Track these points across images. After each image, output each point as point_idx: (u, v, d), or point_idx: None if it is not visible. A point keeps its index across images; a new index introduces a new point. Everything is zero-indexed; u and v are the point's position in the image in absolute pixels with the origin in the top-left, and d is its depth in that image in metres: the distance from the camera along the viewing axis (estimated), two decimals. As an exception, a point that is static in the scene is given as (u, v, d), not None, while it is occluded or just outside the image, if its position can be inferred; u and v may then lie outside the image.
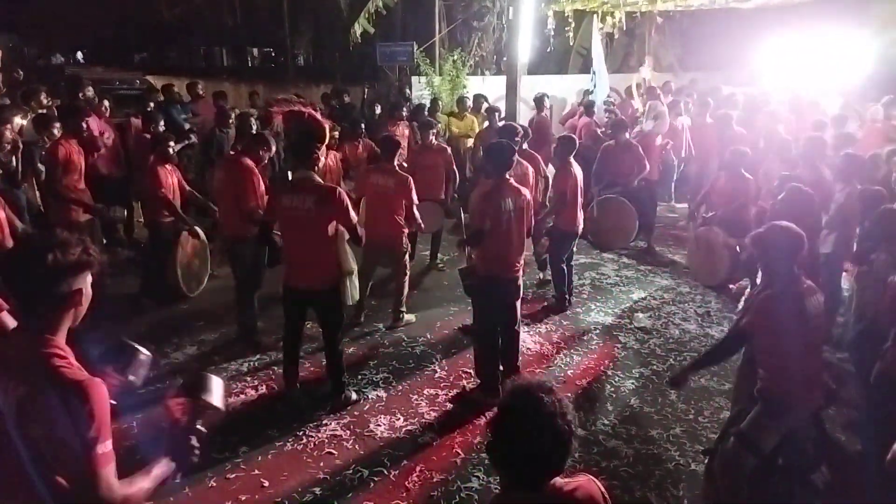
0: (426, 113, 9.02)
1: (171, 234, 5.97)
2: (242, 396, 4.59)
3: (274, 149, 5.71)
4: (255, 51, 32.29)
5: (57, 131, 5.92)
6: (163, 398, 2.00)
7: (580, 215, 6.11)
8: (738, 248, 6.16)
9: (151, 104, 8.41)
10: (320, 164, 4.37)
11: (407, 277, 5.83)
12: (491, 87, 11.35)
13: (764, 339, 3.09)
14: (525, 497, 1.67)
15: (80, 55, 29.84)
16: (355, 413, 4.38)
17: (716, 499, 3.20)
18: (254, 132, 6.45)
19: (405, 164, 6.87)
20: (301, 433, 4.13)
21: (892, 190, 5.22)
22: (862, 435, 3.88)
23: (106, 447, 1.66)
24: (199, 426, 1.99)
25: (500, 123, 7.92)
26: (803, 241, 3.03)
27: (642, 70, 11.94)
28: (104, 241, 6.65)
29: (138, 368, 2.01)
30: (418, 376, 4.93)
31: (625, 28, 12.39)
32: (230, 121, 7.72)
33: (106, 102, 7.60)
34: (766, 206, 5.64)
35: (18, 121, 6.34)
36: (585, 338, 5.63)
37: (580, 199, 6.06)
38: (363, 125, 8.18)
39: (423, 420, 4.32)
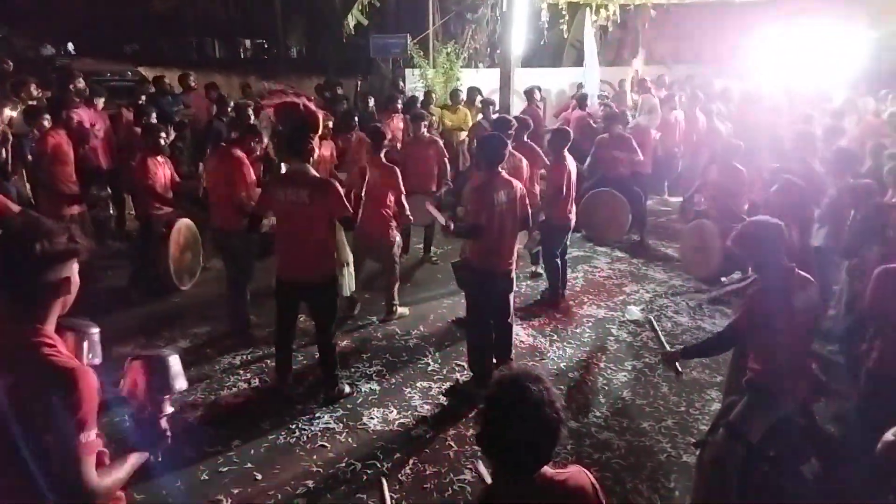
0: (419, 105, 8.99)
1: (162, 226, 5.94)
2: (235, 390, 4.58)
3: (266, 140, 5.69)
4: (248, 42, 32.09)
5: (47, 123, 5.87)
6: (122, 389, 1.97)
7: (573, 209, 6.11)
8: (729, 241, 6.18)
9: (143, 96, 8.35)
10: (315, 156, 4.34)
11: (398, 270, 5.82)
12: (485, 80, 11.32)
13: (752, 331, 3.11)
14: (515, 487, 1.68)
15: (70, 46, 29.57)
16: (348, 406, 4.38)
17: (706, 490, 3.22)
18: (250, 123, 6.40)
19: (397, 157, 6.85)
20: (294, 426, 4.13)
21: (882, 183, 5.23)
22: (851, 426, 3.90)
23: (89, 436, 1.67)
24: (165, 407, 1.97)
25: (494, 116, 7.92)
26: (781, 230, 3.06)
27: (634, 63, 11.95)
28: (95, 233, 6.60)
29: (93, 346, 1.97)
30: (411, 369, 4.93)
31: (618, 21, 12.37)
32: (228, 109, 7.68)
33: (101, 100, 7.51)
34: (758, 199, 5.66)
35: (8, 112, 6.30)
36: (578, 330, 5.65)
37: (573, 193, 6.06)
38: (356, 117, 8.14)
39: (417, 413, 4.33)
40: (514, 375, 1.69)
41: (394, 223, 5.68)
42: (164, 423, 1.96)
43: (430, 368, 4.94)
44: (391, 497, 2.29)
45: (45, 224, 1.75)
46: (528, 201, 4.55)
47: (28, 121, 5.99)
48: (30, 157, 5.85)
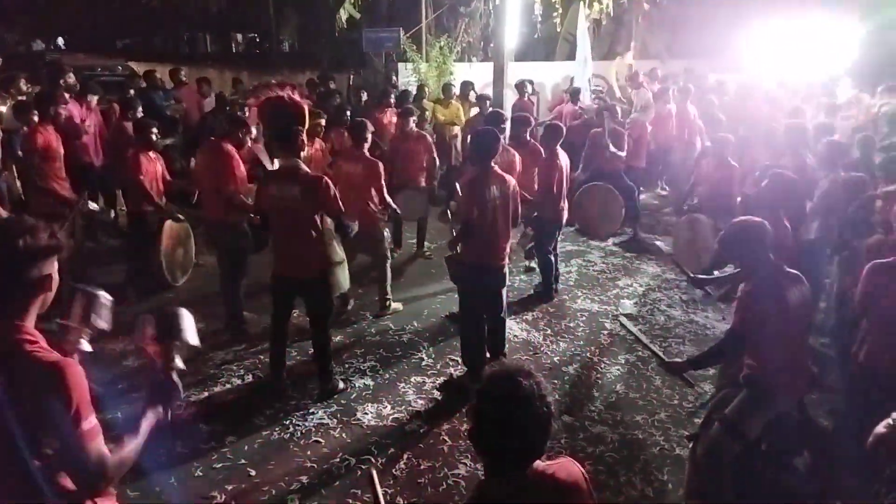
0: (411, 100, 8.97)
1: (154, 222, 5.91)
2: (228, 386, 4.58)
3: (255, 132, 5.65)
4: (240, 36, 31.93)
5: (37, 118, 5.83)
6: (135, 344, 1.98)
7: (564, 204, 6.11)
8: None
9: (131, 91, 8.30)
10: (305, 151, 4.30)
11: (388, 264, 5.80)
12: (478, 74, 11.30)
13: (749, 330, 3.12)
14: (508, 482, 1.68)
15: (60, 41, 29.36)
16: (342, 401, 4.38)
17: (700, 483, 3.24)
18: (237, 115, 6.34)
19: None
20: (288, 422, 4.13)
21: (872, 175, 5.25)
22: (843, 419, 3.93)
23: (90, 423, 1.67)
24: (177, 363, 1.99)
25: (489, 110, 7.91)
26: (765, 228, 3.07)
27: (627, 57, 11.93)
28: (85, 230, 6.56)
29: (100, 311, 1.97)
30: (405, 364, 4.93)
31: (612, 14, 12.34)
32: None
33: (95, 98, 7.46)
34: (751, 193, 5.67)
35: (-2, 108, 6.25)
36: (572, 325, 5.66)
37: (564, 189, 6.06)
38: (348, 112, 8.11)
39: (411, 408, 4.33)
40: (506, 370, 1.70)
41: (381, 217, 5.66)
42: (175, 376, 1.97)
43: (423, 363, 4.94)
44: (384, 492, 2.29)
45: (27, 221, 1.76)
46: (520, 197, 4.54)
47: (17, 116, 5.94)
48: (20, 152, 5.80)
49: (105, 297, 2.01)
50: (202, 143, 5.84)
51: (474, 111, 9.32)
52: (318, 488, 3.55)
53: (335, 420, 4.17)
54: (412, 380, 4.69)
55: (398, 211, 5.97)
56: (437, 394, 4.51)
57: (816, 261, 5.32)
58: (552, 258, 6.20)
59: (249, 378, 4.67)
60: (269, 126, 4.23)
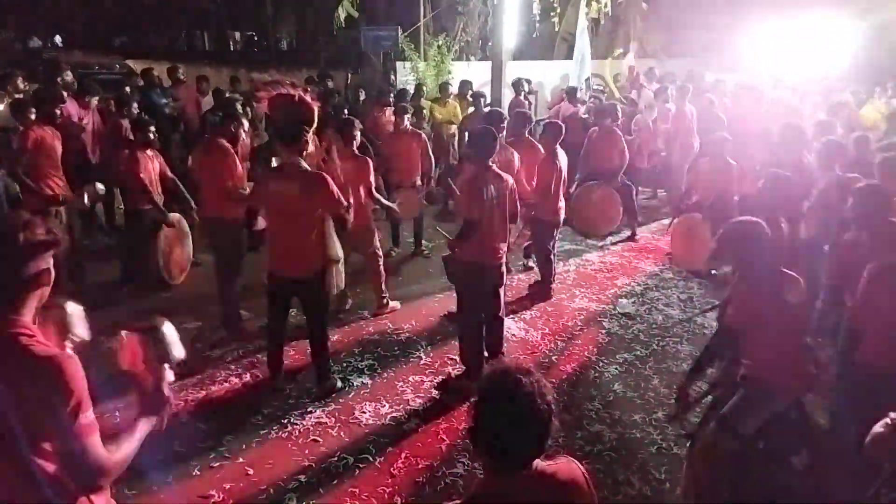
0: (409, 99, 8.96)
1: (152, 220, 5.90)
2: (226, 385, 4.57)
3: (247, 124, 5.63)
4: (238, 35, 31.86)
5: (34, 116, 5.81)
6: (120, 363, 1.97)
7: (562, 204, 6.12)
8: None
9: (128, 88, 8.27)
10: (308, 150, 4.31)
11: (381, 262, 5.77)
12: (476, 73, 11.29)
13: (747, 329, 3.13)
14: (507, 481, 1.68)
15: (58, 39, 29.27)
16: (340, 400, 4.38)
17: (697, 481, 3.25)
18: (228, 110, 6.31)
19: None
20: (286, 421, 4.13)
21: (868, 175, 5.26)
22: (841, 418, 3.94)
23: (88, 417, 1.68)
24: (166, 375, 1.98)
25: (486, 109, 7.90)
26: (762, 228, 3.06)
27: (627, 58, 11.94)
28: (82, 228, 6.56)
29: (75, 322, 1.95)
30: (403, 363, 4.93)
31: (610, 14, 12.36)
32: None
33: (95, 99, 7.43)
34: (749, 193, 5.67)
35: (-5, 106, 6.23)
36: (570, 324, 5.66)
37: (562, 189, 6.07)
38: (346, 111, 8.11)
39: (409, 407, 4.33)
40: (505, 368, 1.69)
41: (372, 215, 5.64)
42: (166, 390, 1.97)
43: (422, 362, 4.94)
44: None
45: (24, 216, 1.77)
46: (518, 196, 4.54)
47: (15, 114, 5.92)
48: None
49: (74, 307, 1.98)
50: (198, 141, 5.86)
51: (470, 111, 9.32)
52: (316, 487, 3.54)
53: (333, 419, 4.17)
54: (410, 379, 4.69)
55: (396, 210, 5.96)
56: (435, 393, 4.51)
57: (813, 260, 5.33)
58: (551, 257, 6.21)
59: (247, 377, 4.67)
60: (277, 123, 4.23)
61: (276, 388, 4.47)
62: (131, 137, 6.29)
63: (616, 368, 4.90)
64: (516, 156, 6.02)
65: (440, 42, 12.29)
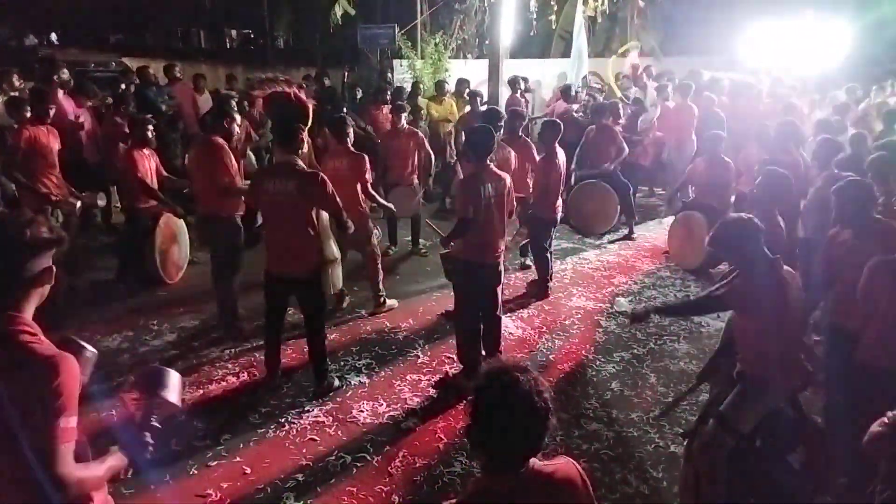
0: (405, 97, 8.96)
1: (149, 219, 5.89)
2: (224, 384, 4.56)
3: (239, 119, 5.60)
4: (234, 32, 31.77)
5: (29, 115, 5.79)
6: (118, 393, 1.98)
7: (560, 202, 6.12)
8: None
9: (123, 86, 8.25)
10: (304, 148, 4.30)
11: (379, 261, 5.77)
12: (473, 71, 11.29)
13: (744, 322, 3.13)
14: (504, 480, 1.68)
15: (54, 36, 29.16)
16: (338, 399, 4.38)
17: (695, 480, 3.25)
18: (220, 107, 6.29)
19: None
20: (283, 420, 4.12)
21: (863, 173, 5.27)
22: (838, 417, 3.94)
23: (69, 423, 1.66)
24: (153, 422, 1.97)
25: (483, 107, 7.89)
26: (755, 224, 3.06)
27: (632, 55, 11.93)
28: (79, 226, 6.53)
29: (85, 366, 1.90)
30: (401, 362, 4.93)
31: (608, 12, 12.35)
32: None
33: (91, 102, 7.41)
34: (745, 191, 5.68)
35: (-10, 103, 6.21)
36: (567, 322, 5.66)
37: (560, 187, 6.07)
38: (344, 109, 8.10)
39: (406, 405, 4.33)
40: (503, 366, 1.70)
41: (368, 213, 5.63)
42: (148, 434, 1.96)
43: (419, 361, 4.94)
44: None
45: (28, 214, 1.77)
46: (514, 194, 4.54)
47: (11, 112, 5.90)
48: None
49: (91, 352, 1.95)
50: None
51: (468, 109, 9.32)
52: (313, 486, 3.54)
53: (331, 418, 4.16)
54: (408, 377, 4.69)
55: (392, 208, 5.95)
56: (432, 391, 4.51)
57: (810, 258, 5.34)
58: (548, 255, 6.21)
59: (244, 376, 4.66)
60: (272, 120, 4.23)
61: (273, 387, 4.46)
62: (128, 135, 6.26)
63: (614, 367, 4.90)
64: (513, 154, 6.02)
65: (437, 40, 12.29)
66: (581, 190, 7.56)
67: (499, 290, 4.66)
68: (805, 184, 5.29)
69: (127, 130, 6.29)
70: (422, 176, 7.21)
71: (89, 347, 1.96)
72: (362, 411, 4.24)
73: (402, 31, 12.60)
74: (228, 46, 31.33)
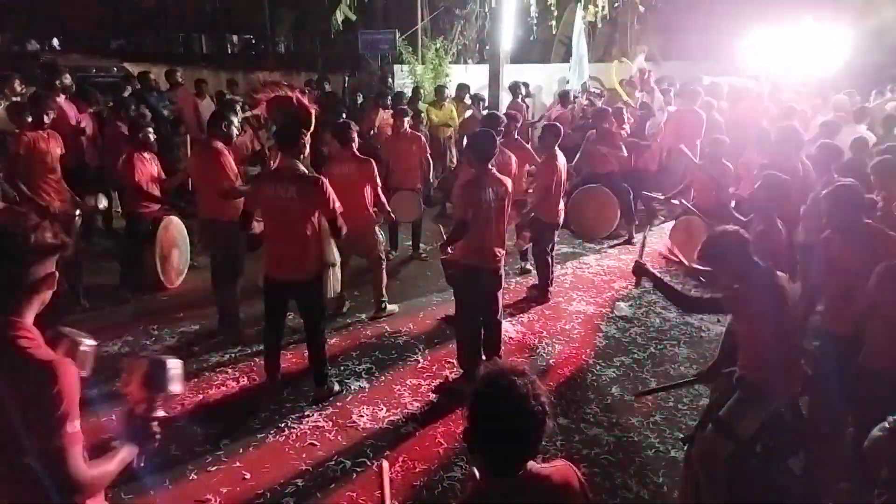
0: (406, 102, 8.97)
1: (149, 224, 5.89)
2: (223, 388, 4.56)
3: (237, 122, 5.61)
4: (235, 37, 31.83)
5: (30, 120, 5.80)
6: (120, 385, 1.97)
7: (561, 206, 6.12)
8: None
9: (127, 88, 8.27)
10: (306, 153, 4.29)
11: (384, 266, 5.78)
12: (474, 76, 11.32)
13: (744, 327, 3.13)
14: (502, 483, 1.68)
15: (55, 42, 29.28)
16: (338, 404, 4.37)
17: (695, 485, 3.24)
18: (218, 110, 6.28)
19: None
20: (283, 425, 4.12)
21: (863, 178, 5.27)
22: (838, 421, 3.94)
23: (75, 427, 1.66)
24: (158, 411, 1.97)
25: (484, 112, 7.90)
26: (741, 235, 3.09)
27: (637, 61, 11.95)
28: (82, 231, 6.54)
29: (84, 359, 1.93)
30: (401, 367, 4.92)
31: (608, 17, 12.39)
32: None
33: (93, 107, 7.42)
34: (745, 196, 5.68)
35: (-8, 109, 6.22)
36: (567, 327, 5.66)
37: (562, 191, 6.07)
38: (344, 114, 8.11)
39: (406, 410, 4.32)
40: (500, 369, 1.70)
41: (375, 218, 5.63)
42: (154, 425, 1.95)
43: (419, 366, 4.94)
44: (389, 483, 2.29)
45: (33, 219, 1.76)
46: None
47: (12, 117, 5.91)
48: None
49: (89, 343, 1.96)
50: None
51: (468, 113, 9.33)
52: (313, 491, 3.53)
53: (330, 422, 4.16)
54: (408, 382, 4.68)
55: (392, 213, 5.96)
56: (432, 396, 4.51)
57: (809, 263, 5.34)
58: (549, 259, 6.21)
59: (244, 381, 4.66)
60: (274, 124, 4.23)
61: (273, 392, 4.45)
62: (128, 139, 6.28)
63: (614, 371, 4.90)
64: (514, 158, 6.02)
65: (438, 45, 12.32)
66: (582, 195, 7.56)
67: (499, 294, 4.66)
68: (805, 188, 5.29)
69: (127, 133, 6.30)
70: (423, 180, 7.21)
71: (86, 339, 1.95)
72: (362, 416, 4.24)
73: (403, 37, 12.63)
74: (229, 52, 31.34)
